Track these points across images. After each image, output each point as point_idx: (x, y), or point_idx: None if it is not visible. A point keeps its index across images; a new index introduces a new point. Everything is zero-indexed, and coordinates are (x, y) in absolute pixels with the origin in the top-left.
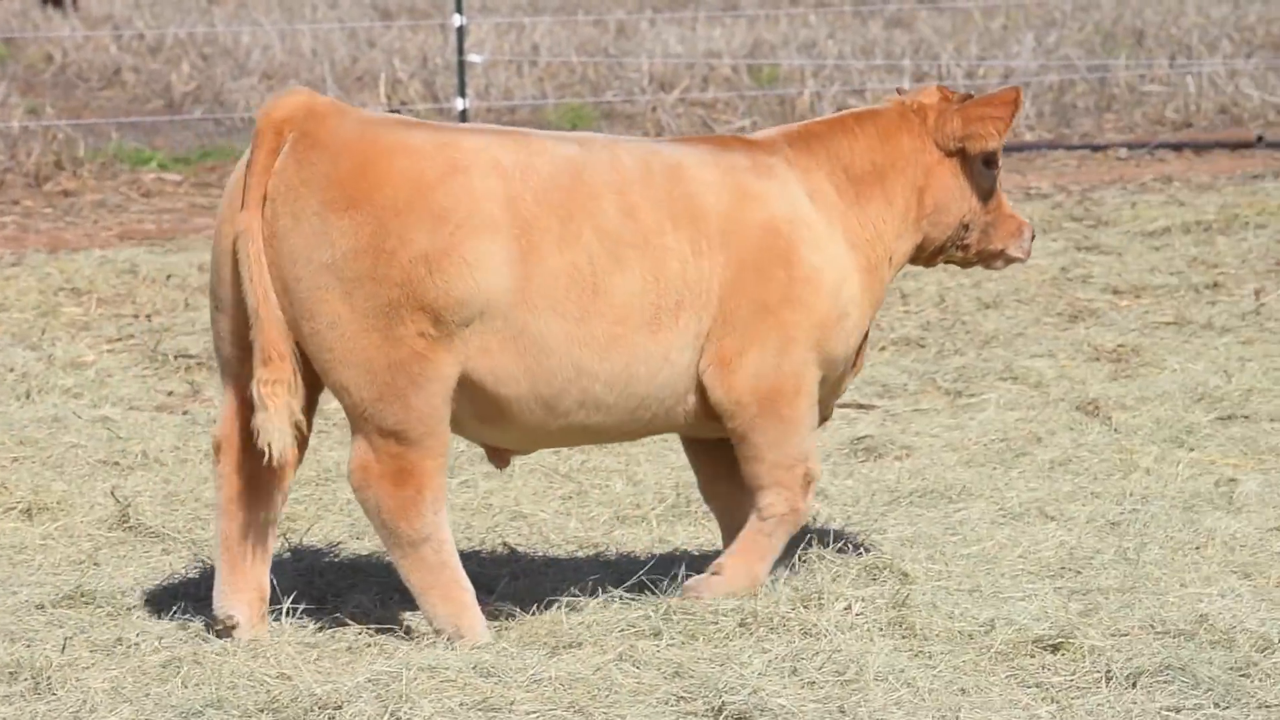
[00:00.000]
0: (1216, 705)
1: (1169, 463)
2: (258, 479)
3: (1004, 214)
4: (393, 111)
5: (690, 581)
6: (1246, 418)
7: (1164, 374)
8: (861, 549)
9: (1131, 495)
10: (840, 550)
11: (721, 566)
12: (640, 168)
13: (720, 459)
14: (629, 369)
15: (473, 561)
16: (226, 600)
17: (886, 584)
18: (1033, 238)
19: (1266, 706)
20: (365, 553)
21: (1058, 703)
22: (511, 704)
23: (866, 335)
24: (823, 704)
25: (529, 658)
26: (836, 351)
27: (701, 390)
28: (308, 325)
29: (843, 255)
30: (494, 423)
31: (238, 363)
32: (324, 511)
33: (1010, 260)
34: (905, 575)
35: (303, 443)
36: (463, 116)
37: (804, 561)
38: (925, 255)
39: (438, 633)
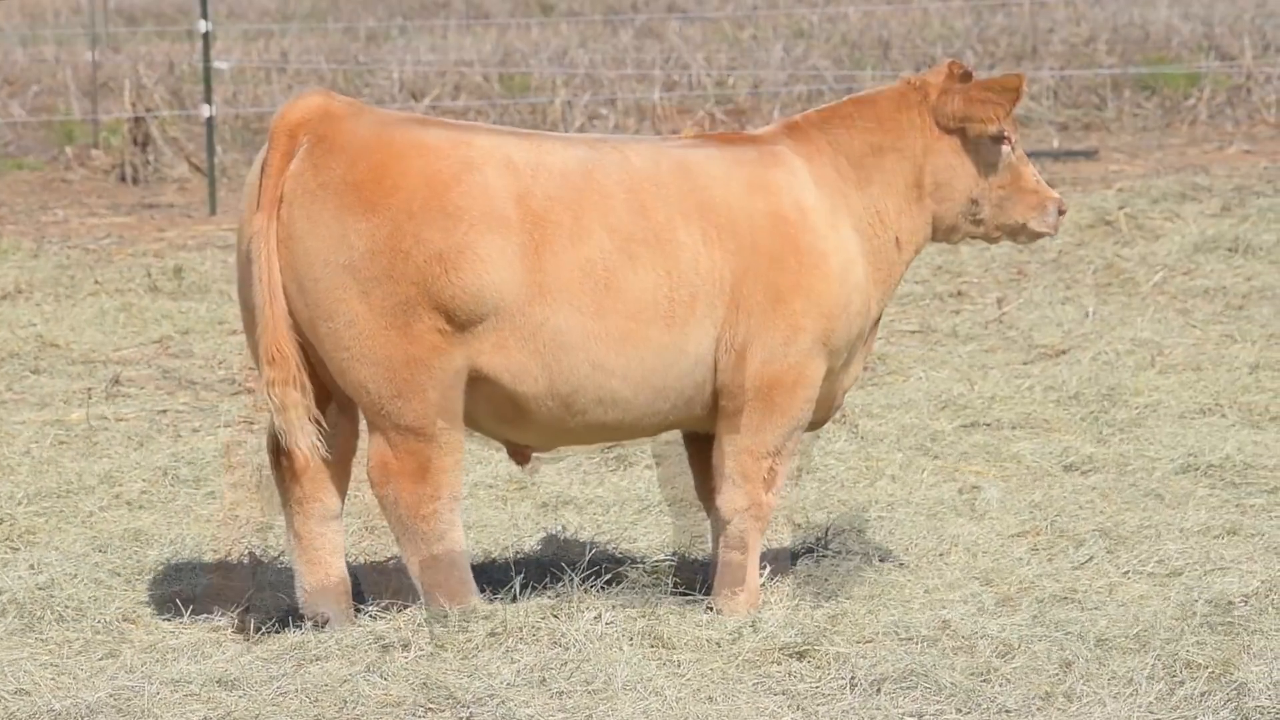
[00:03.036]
0: (958, 710)
1: (914, 470)
2: (318, 477)
3: (1025, 188)
4: (138, 120)
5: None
6: (989, 425)
7: (909, 382)
8: (612, 558)
9: (877, 503)
10: (591, 559)
11: (714, 598)
12: (650, 167)
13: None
14: (644, 363)
15: (218, 572)
16: (313, 599)
17: (636, 593)
18: (1062, 212)
19: (1007, 711)
20: (110, 566)
21: (803, 709)
22: (257, 717)
23: (876, 325)
24: (570, 714)
25: (275, 669)
26: (840, 341)
27: (715, 378)
28: (325, 325)
29: (848, 241)
30: (512, 422)
31: None
32: (65, 524)
33: (1035, 234)
34: (655, 584)
35: (354, 434)
36: (209, 124)
37: (554, 571)
38: (941, 232)
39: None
